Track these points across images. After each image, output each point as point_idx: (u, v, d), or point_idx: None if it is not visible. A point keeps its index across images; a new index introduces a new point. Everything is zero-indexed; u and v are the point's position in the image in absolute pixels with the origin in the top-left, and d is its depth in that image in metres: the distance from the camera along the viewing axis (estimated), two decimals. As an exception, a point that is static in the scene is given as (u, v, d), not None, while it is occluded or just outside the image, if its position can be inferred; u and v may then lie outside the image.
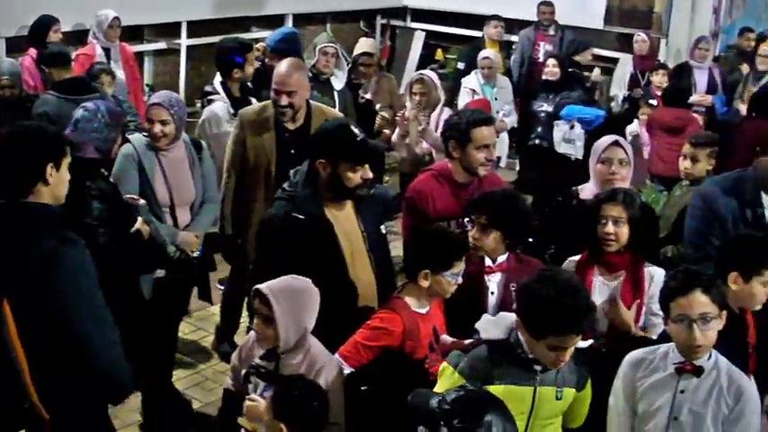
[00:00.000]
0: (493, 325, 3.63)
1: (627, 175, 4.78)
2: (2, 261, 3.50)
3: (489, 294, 4.39)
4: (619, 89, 10.66)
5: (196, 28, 10.53)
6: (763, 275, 3.90)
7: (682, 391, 3.61)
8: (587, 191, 4.89)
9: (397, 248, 5.01)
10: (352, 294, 4.32)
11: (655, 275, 4.27)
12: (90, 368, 3.53)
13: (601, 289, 4.32)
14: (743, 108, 9.53)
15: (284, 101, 5.50)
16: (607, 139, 4.93)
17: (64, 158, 3.65)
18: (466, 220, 4.43)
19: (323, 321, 3.87)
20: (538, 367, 3.52)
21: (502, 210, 4.37)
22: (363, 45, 8.61)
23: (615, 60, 11.55)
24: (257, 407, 3.67)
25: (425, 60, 12.82)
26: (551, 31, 10.86)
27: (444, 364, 3.65)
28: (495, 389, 3.38)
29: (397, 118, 7.23)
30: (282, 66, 5.65)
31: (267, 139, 5.57)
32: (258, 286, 3.78)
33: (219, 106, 6.43)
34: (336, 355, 3.97)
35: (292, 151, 5.44)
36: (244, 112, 5.84)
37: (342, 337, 4.07)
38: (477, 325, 3.69)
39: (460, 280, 4.14)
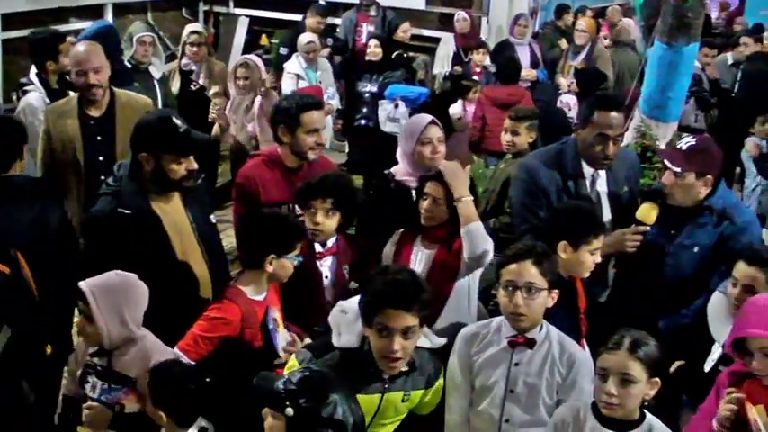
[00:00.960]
0: (346, 328, 3.57)
1: (444, 153, 4.86)
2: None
3: (324, 279, 4.42)
4: (441, 67, 10.83)
5: (12, 20, 10.05)
6: (591, 244, 4.04)
7: (516, 364, 3.70)
8: (401, 172, 4.86)
9: (229, 237, 4.93)
10: (186, 287, 4.23)
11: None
12: None
13: (420, 257, 4.38)
14: (563, 82, 9.89)
15: (93, 79, 5.27)
16: (422, 120, 4.89)
17: None
18: (297, 205, 4.42)
19: (160, 316, 3.79)
20: (387, 376, 3.52)
21: (345, 193, 4.41)
22: (191, 26, 8.51)
23: (437, 40, 11.69)
24: (97, 414, 3.58)
25: (250, 47, 12.61)
26: (372, 12, 10.90)
27: (292, 361, 3.63)
28: None
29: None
30: (80, 47, 5.49)
31: (71, 128, 5.32)
32: (79, 284, 3.67)
33: (35, 96, 6.16)
34: (176, 349, 3.88)
35: (99, 138, 5.29)
36: (50, 105, 5.65)
37: (180, 331, 3.98)
38: (330, 320, 3.66)
39: (301, 259, 4.14)
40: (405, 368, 3.51)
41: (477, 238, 4.20)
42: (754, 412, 3.31)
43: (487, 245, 4.21)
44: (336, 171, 4.86)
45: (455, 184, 4.28)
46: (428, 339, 3.73)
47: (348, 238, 4.60)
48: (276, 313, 4.13)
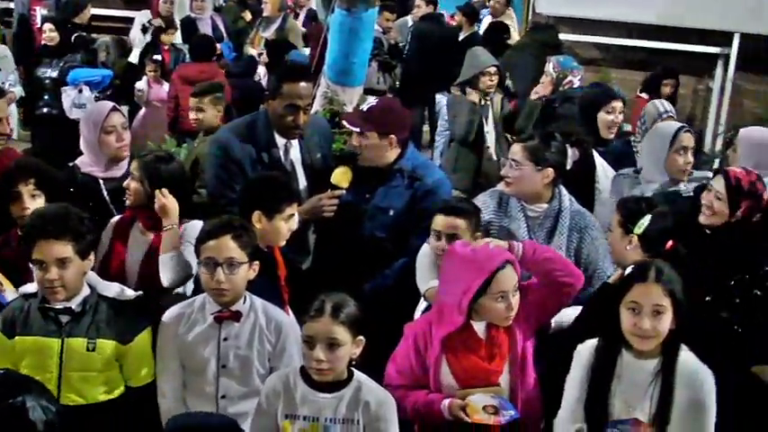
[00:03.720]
0: None
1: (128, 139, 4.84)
2: None
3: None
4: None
5: None
6: (284, 212, 4.07)
7: (225, 339, 3.70)
8: (87, 163, 4.76)
9: None
10: None
11: None
12: None
13: (139, 243, 4.34)
14: (253, 52, 9.88)
15: None
16: (104, 108, 4.85)
17: None
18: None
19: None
20: (65, 318, 3.53)
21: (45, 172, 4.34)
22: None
23: (127, 20, 11.35)
24: None
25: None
26: (46, -6, 10.42)
27: None
28: (23, 341, 3.52)
29: None
30: None
31: None
32: None
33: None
34: None
35: None
36: None
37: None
38: None
39: None
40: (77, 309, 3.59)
41: (163, 269, 4.17)
42: (475, 415, 3.52)
43: (166, 281, 4.16)
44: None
45: (162, 216, 4.22)
46: (123, 292, 3.76)
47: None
48: None
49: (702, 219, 4.26)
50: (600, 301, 3.78)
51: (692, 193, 4.70)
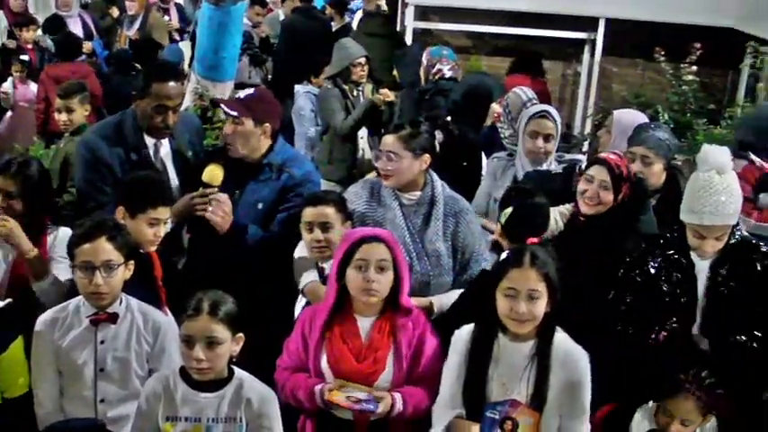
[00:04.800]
0: None
1: None
2: None
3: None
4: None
5: None
6: (147, 213, 4.01)
7: (102, 342, 3.64)
8: None
9: None
10: None
11: None
12: None
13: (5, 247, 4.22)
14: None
15: None
16: None
17: None
18: None
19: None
20: None
21: None
22: None
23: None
24: None
25: None
26: None
27: None
28: None
29: None
30: None
31: None
32: None
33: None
34: None
35: None
36: None
37: None
38: None
39: None
40: None
41: (43, 296, 4.10)
42: (335, 396, 3.56)
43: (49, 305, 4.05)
44: None
45: (12, 244, 4.14)
46: None
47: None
48: None
49: (586, 209, 4.35)
50: (478, 287, 3.85)
51: (560, 171, 4.84)
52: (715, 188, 3.90)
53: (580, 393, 3.46)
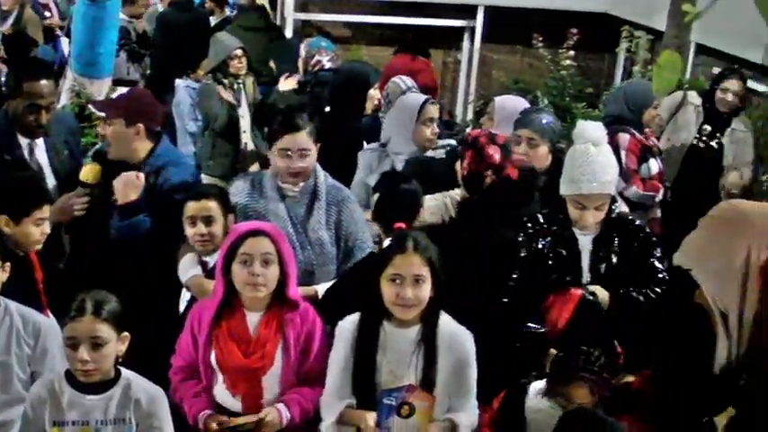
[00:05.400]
0: None
1: None
2: None
3: None
4: None
5: None
6: (33, 216, 3.91)
7: None
8: None
9: None
10: None
11: None
12: None
13: None
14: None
15: None
16: None
17: None
18: None
19: None
20: None
21: None
22: None
23: None
24: None
25: None
26: None
27: None
28: None
29: None
30: None
31: None
32: None
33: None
34: None
35: None
36: None
37: None
38: None
39: None
40: None
41: None
42: None
43: None
44: None
45: None
46: None
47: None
48: None
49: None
50: (363, 270, 3.88)
51: (444, 156, 4.91)
52: (592, 158, 4.08)
53: (467, 373, 3.52)
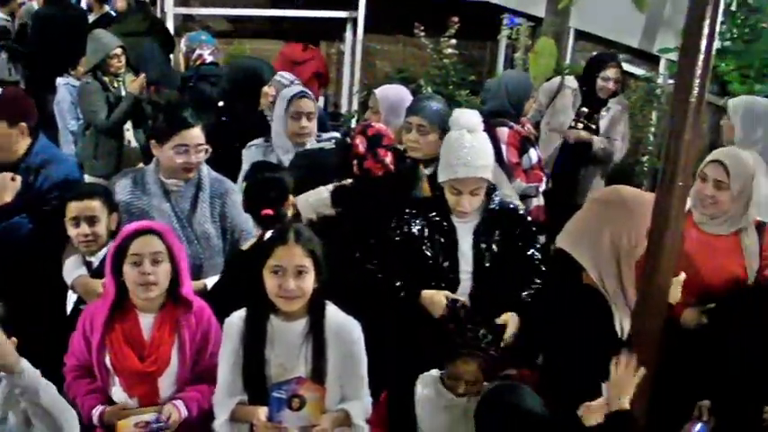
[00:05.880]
0: None
1: None
2: None
3: None
4: None
5: None
6: None
7: None
8: None
9: None
10: None
11: None
12: None
13: None
14: None
15: None
16: None
17: None
18: None
19: None
20: None
21: None
22: None
23: None
24: None
25: None
26: None
27: None
28: None
29: None
30: None
31: None
32: None
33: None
34: None
35: None
36: None
37: None
38: None
39: None
40: None
41: None
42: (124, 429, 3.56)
43: None
44: None
45: None
46: None
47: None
48: None
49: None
50: (243, 268, 3.86)
51: (334, 147, 4.94)
52: (466, 144, 4.17)
53: (357, 362, 3.55)
